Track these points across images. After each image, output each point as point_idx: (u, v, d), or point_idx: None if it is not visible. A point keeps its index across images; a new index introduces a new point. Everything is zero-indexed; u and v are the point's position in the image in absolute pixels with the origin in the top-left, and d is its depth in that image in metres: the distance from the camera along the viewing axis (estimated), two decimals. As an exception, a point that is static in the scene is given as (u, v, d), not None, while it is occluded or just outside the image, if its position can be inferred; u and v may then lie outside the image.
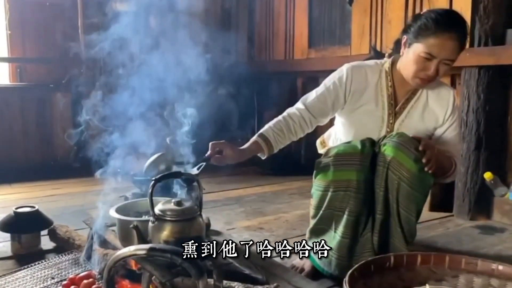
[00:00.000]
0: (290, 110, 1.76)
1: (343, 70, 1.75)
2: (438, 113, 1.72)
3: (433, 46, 1.54)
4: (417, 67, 1.59)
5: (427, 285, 1.27)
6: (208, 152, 1.60)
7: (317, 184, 1.64)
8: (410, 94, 1.72)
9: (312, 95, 1.76)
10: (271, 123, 1.73)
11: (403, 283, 1.36)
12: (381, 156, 1.58)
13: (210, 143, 1.61)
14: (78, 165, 3.50)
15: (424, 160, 1.52)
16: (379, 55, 1.90)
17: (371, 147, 1.61)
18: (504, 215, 2.42)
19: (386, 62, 1.75)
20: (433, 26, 1.54)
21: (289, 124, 1.72)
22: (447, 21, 1.54)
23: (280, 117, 1.75)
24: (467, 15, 2.37)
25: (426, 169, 1.52)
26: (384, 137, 1.64)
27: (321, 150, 2.01)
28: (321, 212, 1.64)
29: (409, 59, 1.61)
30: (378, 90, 1.73)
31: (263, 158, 1.74)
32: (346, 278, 1.22)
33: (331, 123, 1.91)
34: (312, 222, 1.69)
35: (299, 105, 1.76)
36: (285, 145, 1.75)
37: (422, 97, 1.72)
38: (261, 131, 1.71)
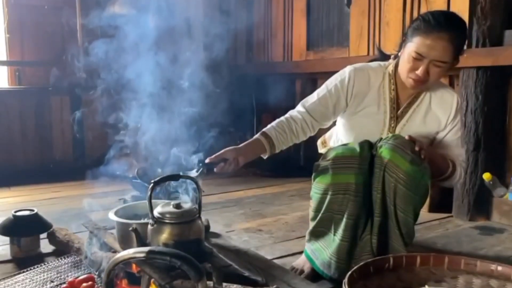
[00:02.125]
0: (292, 112, 1.76)
1: (346, 72, 1.75)
2: (441, 117, 1.71)
3: (422, 45, 1.54)
4: (409, 67, 1.59)
5: (426, 286, 1.27)
6: (210, 158, 1.59)
7: (316, 187, 1.64)
8: (413, 97, 1.72)
9: (313, 97, 1.76)
10: (273, 123, 1.74)
11: (402, 284, 1.36)
12: (377, 158, 1.58)
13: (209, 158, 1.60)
14: (88, 163, 3.49)
15: (416, 148, 1.51)
16: (384, 56, 1.89)
17: (369, 149, 1.61)
18: (503, 216, 2.42)
19: (390, 64, 1.74)
20: (423, 25, 1.55)
21: (291, 125, 1.72)
22: (438, 22, 1.53)
23: (282, 118, 1.75)
24: (464, 16, 2.37)
25: (422, 156, 1.52)
26: (381, 139, 1.64)
27: (321, 150, 2.01)
28: (320, 214, 1.64)
29: (403, 59, 1.62)
30: (381, 93, 1.73)
31: (264, 157, 1.73)
32: (346, 280, 1.22)
33: (333, 123, 1.91)
34: (312, 225, 1.69)
35: (300, 108, 1.76)
36: (287, 147, 1.75)
37: (425, 101, 1.72)
38: (263, 130, 1.72)
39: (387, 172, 1.54)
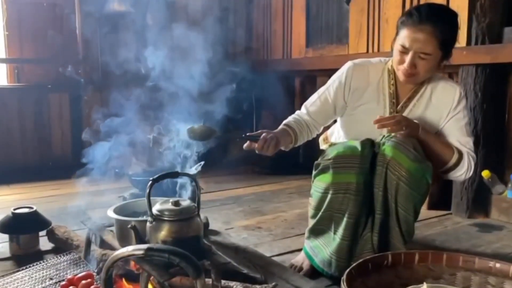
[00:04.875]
0: (297, 112, 1.80)
1: (345, 69, 1.77)
2: (442, 110, 1.69)
3: (405, 37, 1.56)
4: (397, 60, 1.62)
5: (424, 283, 1.27)
6: (250, 133, 1.60)
7: (317, 185, 1.64)
8: (413, 92, 1.71)
9: (314, 98, 1.80)
10: (289, 118, 1.77)
11: (400, 281, 1.36)
12: (380, 156, 1.57)
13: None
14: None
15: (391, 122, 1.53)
16: None
17: (370, 148, 1.60)
18: (502, 213, 2.43)
19: (390, 60, 1.74)
20: (406, 19, 1.58)
21: (304, 121, 1.76)
22: (420, 14, 1.55)
23: (294, 114, 1.79)
24: (464, 14, 2.37)
25: (388, 130, 1.54)
26: (383, 137, 1.63)
27: (323, 146, 2.01)
28: (320, 213, 1.64)
29: (393, 53, 1.65)
30: (380, 88, 1.73)
31: (287, 149, 1.74)
32: (344, 277, 1.23)
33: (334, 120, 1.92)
34: (311, 222, 1.69)
35: (303, 109, 1.80)
36: (303, 142, 1.78)
37: (426, 95, 1.71)
38: (283, 122, 1.75)
39: (390, 169, 1.54)
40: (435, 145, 1.62)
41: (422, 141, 1.59)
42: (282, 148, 1.71)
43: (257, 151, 1.59)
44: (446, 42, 1.57)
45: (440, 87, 1.71)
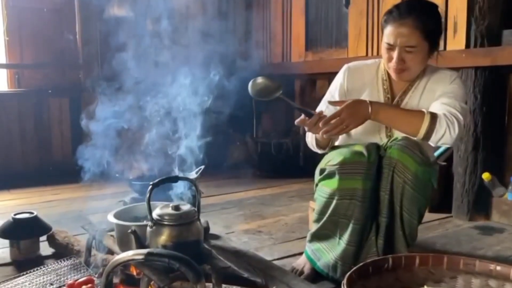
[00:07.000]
0: None
1: (341, 72, 1.80)
2: (436, 93, 1.66)
3: (389, 35, 1.59)
4: (386, 58, 1.64)
5: (425, 286, 1.27)
6: (314, 112, 1.59)
7: (322, 190, 1.64)
8: (408, 86, 1.72)
9: (321, 107, 1.80)
10: None
11: (401, 284, 1.36)
12: (386, 159, 1.57)
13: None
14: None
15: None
16: None
17: (376, 153, 1.60)
18: (502, 216, 2.42)
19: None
20: (387, 17, 1.61)
21: None
22: (399, 10, 1.58)
23: None
24: (463, 16, 2.39)
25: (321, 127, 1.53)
26: (389, 140, 1.63)
27: None
28: (325, 218, 1.63)
29: (382, 53, 1.66)
30: (375, 86, 1.75)
31: (324, 149, 1.74)
32: (345, 280, 1.22)
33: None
34: (315, 227, 1.69)
35: None
36: (331, 145, 1.78)
37: (420, 86, 1.71)
38: None
39: (396, 173, 1.54)
40: (396, 112, 1.59)
41: (378, 114, 1.56)
42: (317, 148, 1.72)
43: (307, 128, 1.60)
44: (429, 32, 1.58)
45: (435, 77, 1.71)
